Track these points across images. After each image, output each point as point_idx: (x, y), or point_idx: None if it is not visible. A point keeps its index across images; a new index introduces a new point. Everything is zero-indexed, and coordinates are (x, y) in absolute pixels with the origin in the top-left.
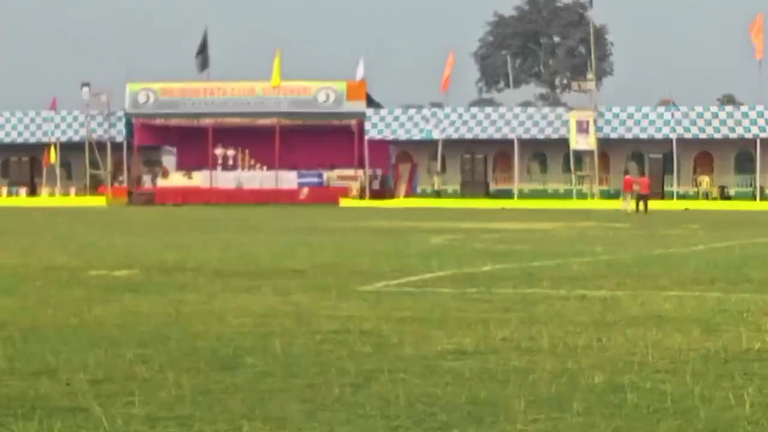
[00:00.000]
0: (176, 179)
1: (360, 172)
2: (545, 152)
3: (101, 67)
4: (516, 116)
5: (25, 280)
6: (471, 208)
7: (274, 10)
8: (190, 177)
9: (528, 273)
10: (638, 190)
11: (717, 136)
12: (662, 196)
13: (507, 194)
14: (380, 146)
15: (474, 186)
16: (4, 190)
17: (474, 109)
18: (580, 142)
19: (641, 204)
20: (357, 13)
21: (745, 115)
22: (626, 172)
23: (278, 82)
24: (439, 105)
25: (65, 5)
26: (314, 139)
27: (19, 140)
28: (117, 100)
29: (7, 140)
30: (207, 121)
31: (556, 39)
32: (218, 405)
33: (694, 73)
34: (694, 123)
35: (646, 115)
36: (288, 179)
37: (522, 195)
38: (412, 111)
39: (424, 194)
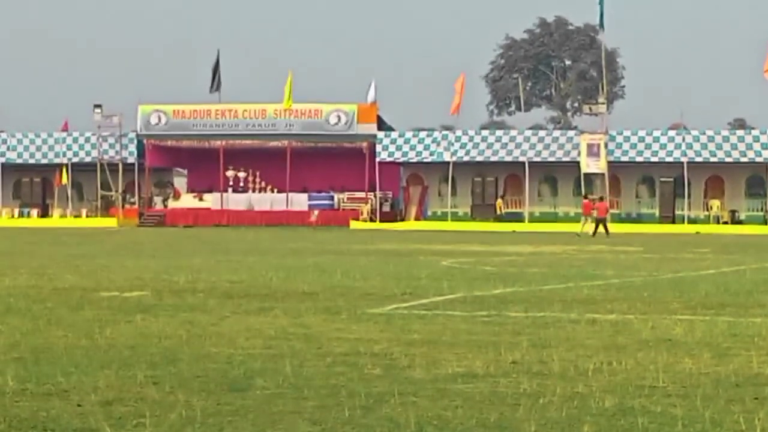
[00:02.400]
0: (187, 201)
1: (371, 195)
2: (556, 175)
3: (113, 89)
4: (527, 139)
5: (36, 302)
6: (481, 231)
7: (287, 33)
8: (201, 198)
9: (538, 296)
10: (596, 214)
11: (728, 160)
12: (673, 219)
13: (518, 217)
14: (391, 169)
15: (484, 209)
16: (16, 210)
17: (485, 132)
18: (591, 166)
19: (601, 226)
20: (369, 36)
21: (756, 139)
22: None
23: (290, 104)
24: (450, 128)
25: (77, 27)
26: (325, 162)
27: (31, 161)
28: (129, 121)
29: (19, 161)
30: (218, 143)
31: (568, 62)
32: (229, 427)
33: (705, 97)
34: (705, 147)
35: (657, 139)
36: (299, 201)
37: (533, 218)
38: (423, 134)
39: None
